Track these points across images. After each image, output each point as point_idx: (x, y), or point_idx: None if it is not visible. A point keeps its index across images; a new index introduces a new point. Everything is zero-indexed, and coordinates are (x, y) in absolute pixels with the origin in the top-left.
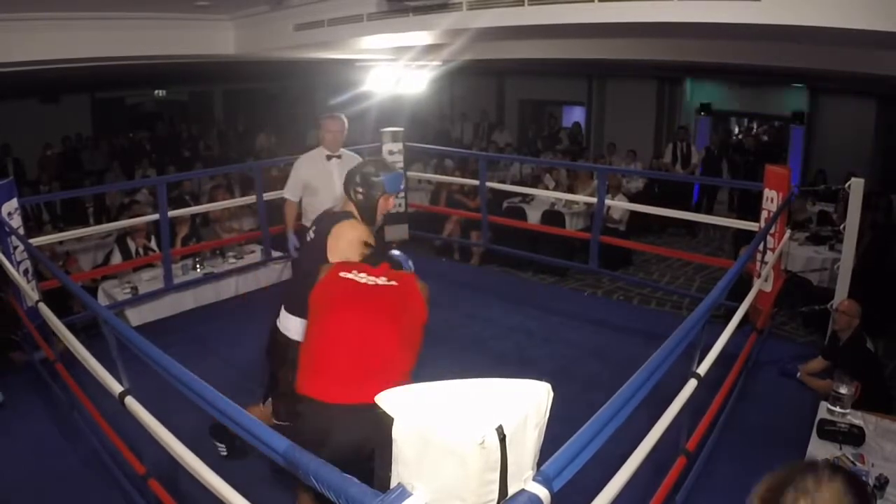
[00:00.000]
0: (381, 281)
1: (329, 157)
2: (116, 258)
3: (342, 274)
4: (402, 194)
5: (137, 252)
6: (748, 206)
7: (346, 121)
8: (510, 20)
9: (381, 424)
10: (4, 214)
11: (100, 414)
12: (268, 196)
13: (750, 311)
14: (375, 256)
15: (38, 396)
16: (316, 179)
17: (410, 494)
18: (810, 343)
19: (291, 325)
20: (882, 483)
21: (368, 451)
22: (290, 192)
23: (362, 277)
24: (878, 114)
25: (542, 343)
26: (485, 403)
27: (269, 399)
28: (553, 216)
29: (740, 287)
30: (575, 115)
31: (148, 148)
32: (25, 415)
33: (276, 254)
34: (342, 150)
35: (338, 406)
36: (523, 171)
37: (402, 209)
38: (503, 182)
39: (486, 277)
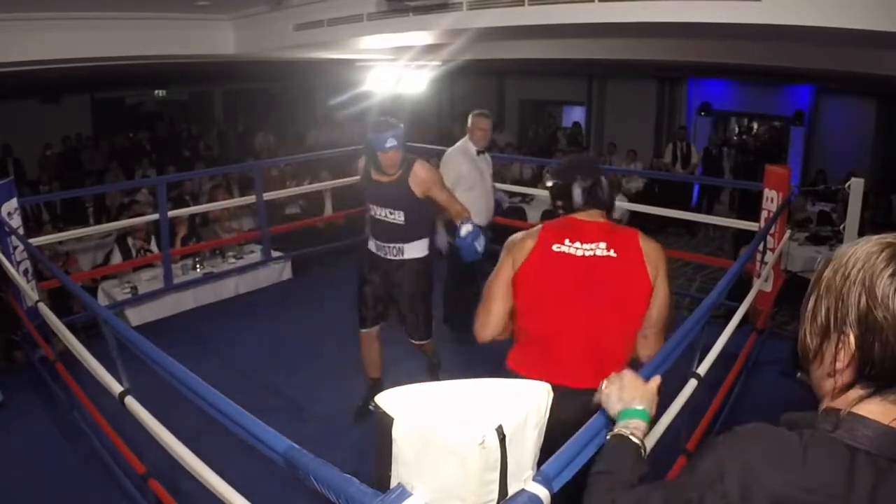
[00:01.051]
0: (600, 250)
1: (479, 153)
2: (116, 258)
3: (555, 247)
4: None
5: (138, 252)
6: (748, 205)
7: (491, 119)
8: (510, 20)
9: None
10: (4, 214)
11: (100, 414)
12: (267, 196)
13: (750, 311)
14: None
15: (38, 396)
16: (471, 174)
17: (410, 494)
18: None
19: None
20: None
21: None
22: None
23: (578, 249)
24: (878, 114)
25: None
26: (485, 403)
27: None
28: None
29: (740, 287)
30: (574, 116)
31: (148, 148)
32: (25, 414)
33: (276, 254)
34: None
35: (568, 389)
36: (523, 172)
37: None
38: (503, 182)
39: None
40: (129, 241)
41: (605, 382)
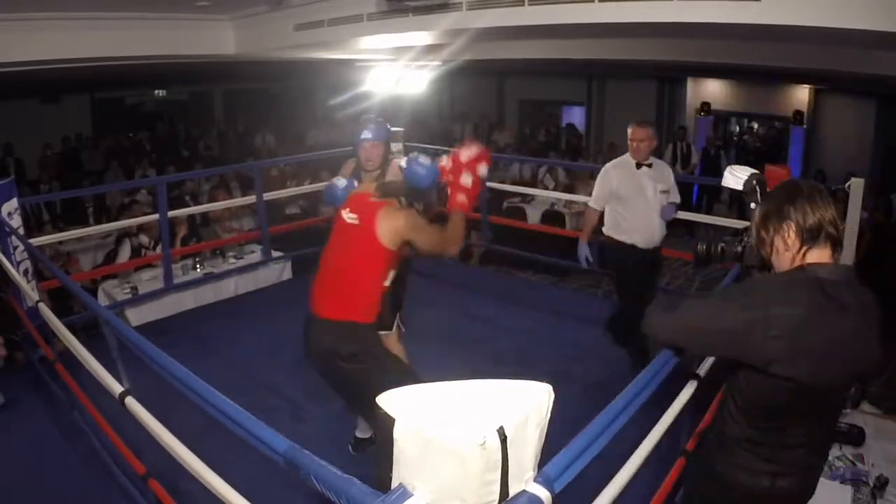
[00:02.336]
0: (351, 219)
1: (639, 166)
2: (124, 255)
3: (342, 212)
4: None
5: (144, 250)
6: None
7: (651, 129)
8: (510, 20)
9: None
10: (4, 214)
11: (100, 414)
12: (268, 196)
13: None
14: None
15: (38, 396)
16: (625, 188)
17: (411, 495)
18: None
19: None
20: (882, 483)
21: (344, 354)
22: (595, 202)
23: (346, 216)
24: (878, 114)
25: (542, 343)
26: (486, 404)
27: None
28: (553, 216)
29: None
30: (573, 116)
31: (148, 148)
32: (25, 415)
33: (276, 254)
34: (653, 158)
35: (319, 319)
36: (523, 172)
37: None
38: (503, 182)
39: (485, 277)
40: (142, 237)
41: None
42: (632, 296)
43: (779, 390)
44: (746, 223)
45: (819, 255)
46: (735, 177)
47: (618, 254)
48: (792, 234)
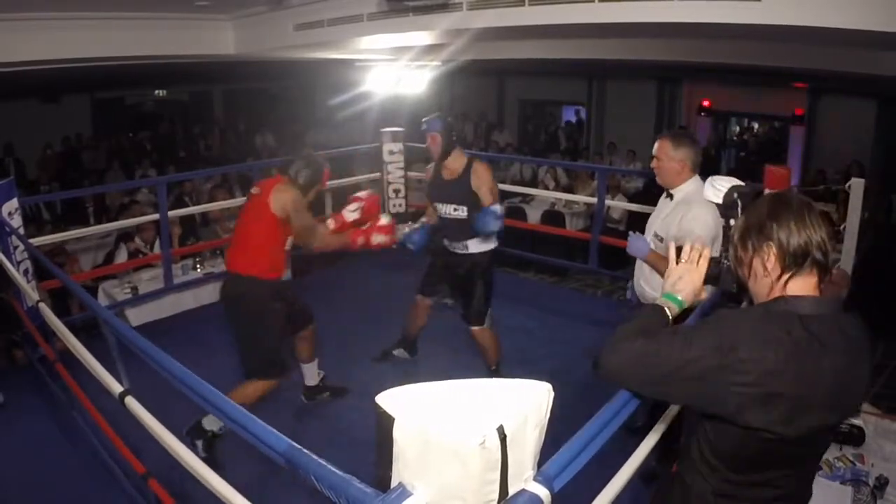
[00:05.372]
0: (256, 191)
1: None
2: (122, 256)
3: (252, 188)
4: (401, 194)
5: (139, 252)
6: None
7: (669, 142)
8: (510, 20)
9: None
10: (5, 214)
11: (100, 414)
12: None
13: None
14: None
15: (38, 396)
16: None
17: (411, 494)
18: None
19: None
20: (882, 483)
21: (232, 297)
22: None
23: (254, 189)
24: (878, 114)
25: (542, 343)
26: (485, 403)
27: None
28: (553, 216)
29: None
30: (572, 115)
31: (148, 148)
32: (25, 414)
33: None
34: (689, 186)
35: (226, 272)
36: (523, 171)
37: (402, 209)
38: (503, 182)
39: None
40: (137, 239)
41: (678, 263)
42: None
43: (752, 441)
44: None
45: (803, 284)
46: (715, 189)
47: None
48: (773, 257)
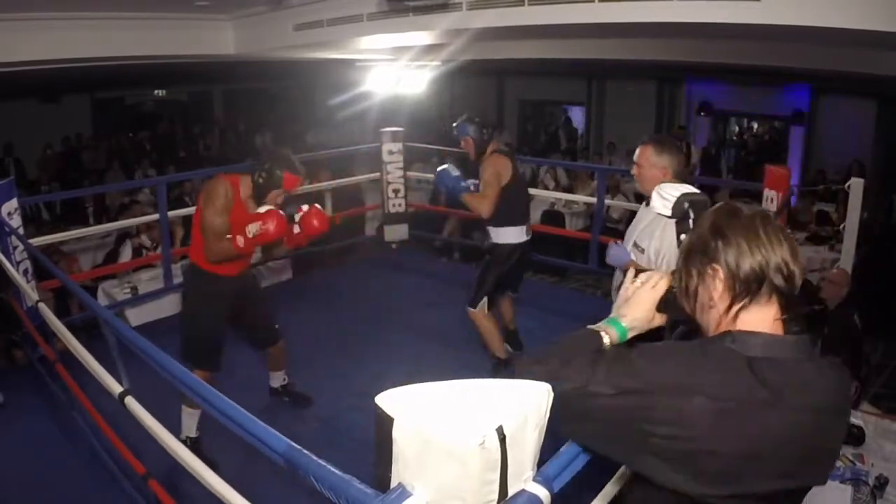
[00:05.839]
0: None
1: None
2: (126, 255)
3: None
4: (400, 194)
5: (141, 252)
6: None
7: (651, 147)
8: (510, 20)
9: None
10: (4, 214)
11: (100, 414)
12: None
13: None
14: None
15: (37, 396)
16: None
17: (410, 494)
18: None
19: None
20: (882, 483)
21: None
22: None
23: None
24: (878, 114)
25: (542, 343)
26: (485, 404)
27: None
28: (553, 216)
29: None
30: (573, 116)
31: (148, 148)
32: (25, 414)
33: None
34: (661, 191)
35: None
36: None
37: (402, 209)
38: None
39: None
40: (143, 238)
41: (634, 281)
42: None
43: None
44: None
45: (758, 316)
46: (662, 198)
47: None
48: (719, 284)
